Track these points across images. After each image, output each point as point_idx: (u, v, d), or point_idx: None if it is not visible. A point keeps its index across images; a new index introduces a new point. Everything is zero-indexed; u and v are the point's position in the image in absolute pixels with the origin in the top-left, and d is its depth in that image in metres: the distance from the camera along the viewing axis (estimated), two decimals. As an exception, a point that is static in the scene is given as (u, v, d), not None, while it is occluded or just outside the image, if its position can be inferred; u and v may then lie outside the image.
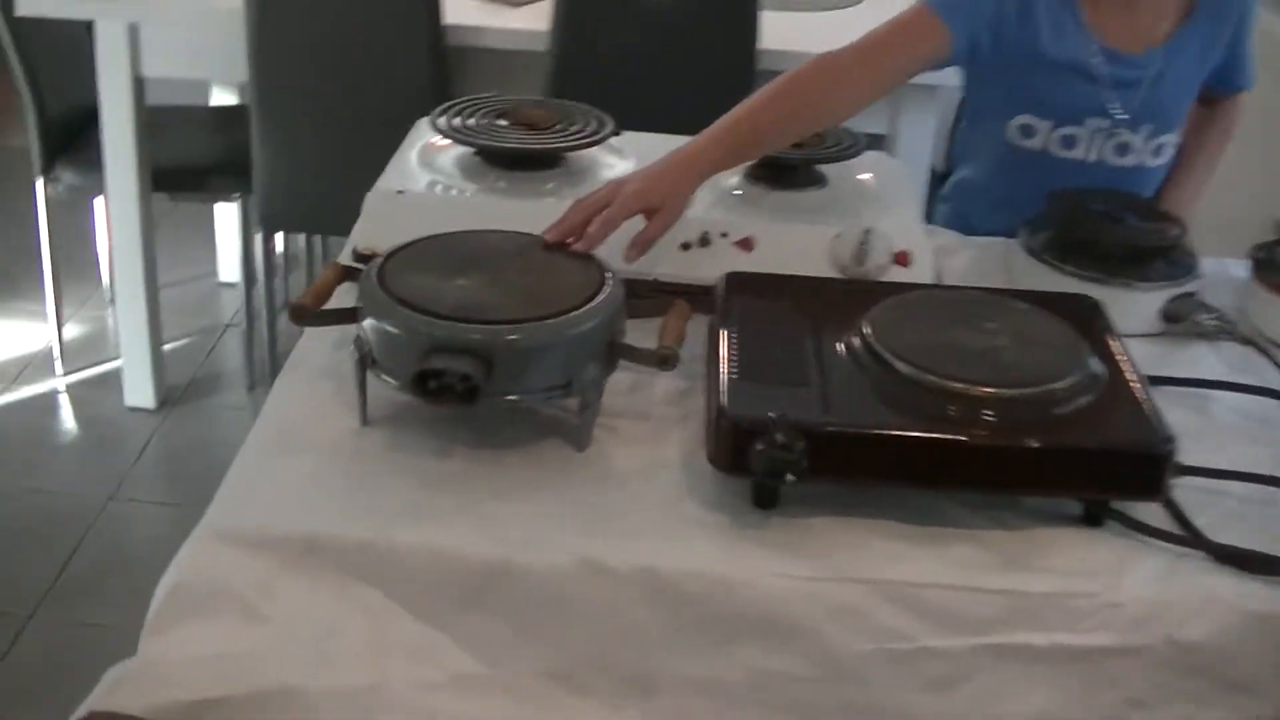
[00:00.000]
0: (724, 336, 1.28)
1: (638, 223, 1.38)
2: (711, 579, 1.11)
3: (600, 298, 1.23)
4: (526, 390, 1.19)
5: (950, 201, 1.96)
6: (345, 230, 1.55)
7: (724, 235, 1.50)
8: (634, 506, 1.18)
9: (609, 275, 1.28)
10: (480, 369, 1.14)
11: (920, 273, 1.50)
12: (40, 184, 3.07)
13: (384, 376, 1.21)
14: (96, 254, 3.53)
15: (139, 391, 3.15)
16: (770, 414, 1.13)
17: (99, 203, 3.21)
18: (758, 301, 1.36)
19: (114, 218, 2.98)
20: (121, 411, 3.16)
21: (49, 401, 3.18)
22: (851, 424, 1.16)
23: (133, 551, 2.66)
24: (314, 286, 1.27)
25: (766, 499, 1.18)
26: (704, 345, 1.33)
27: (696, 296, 1.44)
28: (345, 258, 1.46)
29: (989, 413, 1.18)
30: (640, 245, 1.36)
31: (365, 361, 1.22)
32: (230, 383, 3.34)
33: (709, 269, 1.45)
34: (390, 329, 1.18)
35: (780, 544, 1.15)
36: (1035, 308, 1.36)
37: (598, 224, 1.33)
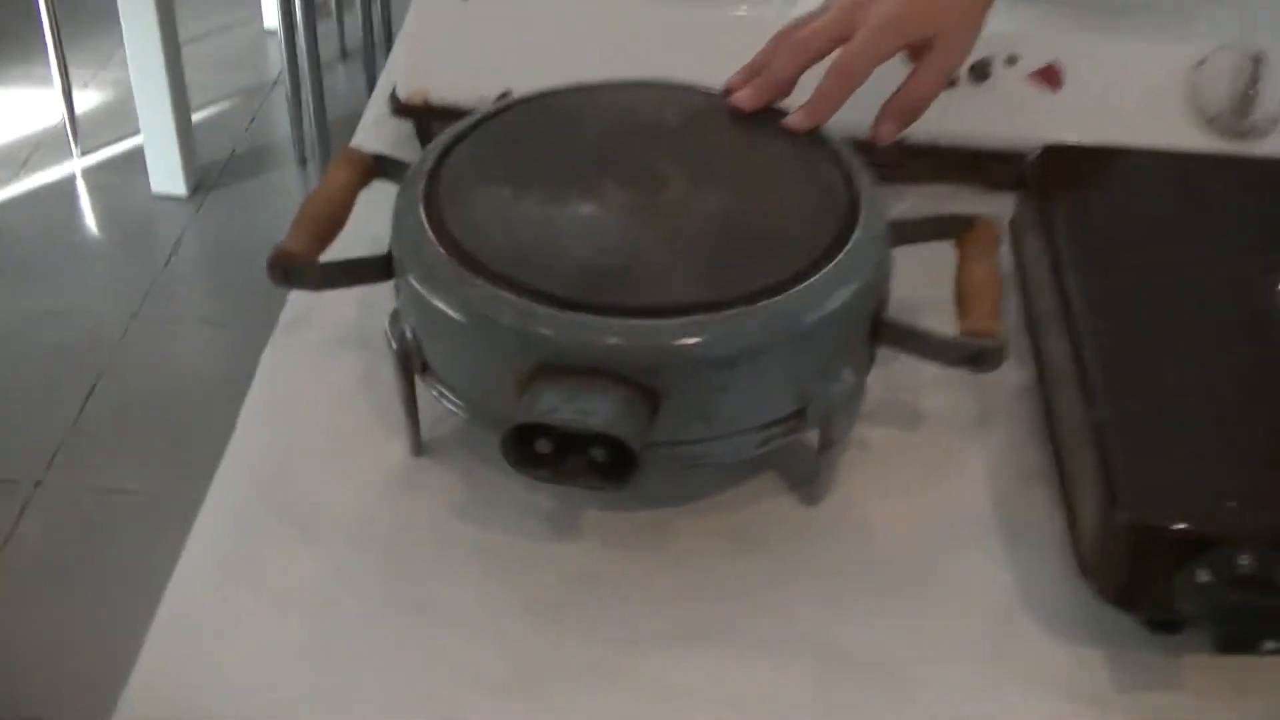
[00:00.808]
0: (1075, 299, 0.68)
1: (893, 69, 0.76)
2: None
3: (855, 239, 0.63)
4: (724, 432, 0.61)
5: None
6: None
7: (1011, 61, 0.88)
8: (920, 638, 0.61)
9: (863, 181, 0.67)
10: (636, 413, 0.56)
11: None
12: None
13: (445, 396, 0.64)
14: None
15: (166, 175, 2.60)
16: (1222, 505, 0.55)
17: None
18: (1109, 209, 0.76)
19: (116, -44, 2.36)
20: (147, 200, 2.62)
21: (63, 192, 2.65)
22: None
23: (161, 389, 2.17)
24: (312, 203, 0.68)
25: (1167, 621, 0.61)
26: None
27: (970, 167, 0.85)
28: (368, 133, 0.86)
29: None
30: (904, 112, 0.75)
31: (410, 363, 0.64)
32: (277, 157, 2.78)
33: (989, 119, 0.86)
34: (452, 315, 0.60)
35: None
36: None
37: (832, 77, 0.72)
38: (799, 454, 0.68)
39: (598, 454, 0.58)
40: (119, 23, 2.45)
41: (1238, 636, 0.56)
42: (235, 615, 0.62)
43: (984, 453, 0.72)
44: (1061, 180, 0.78)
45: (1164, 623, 0.62)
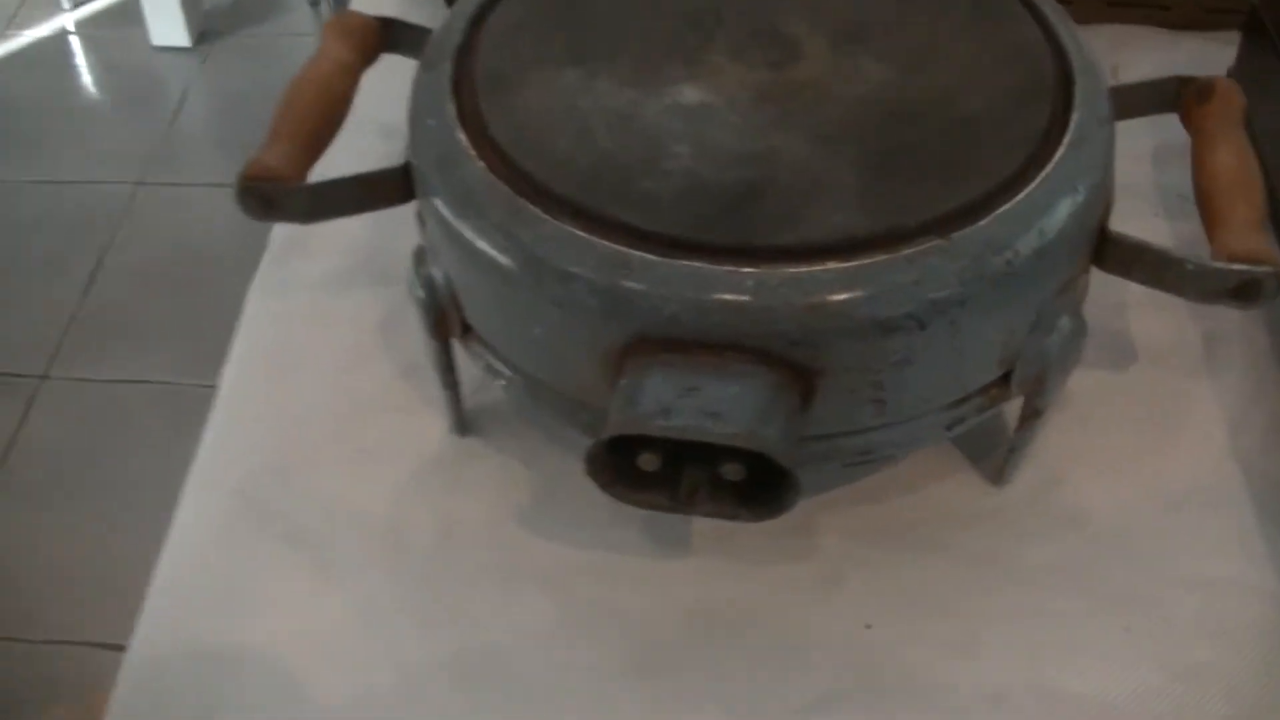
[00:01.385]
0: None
1: None
2: None
3: (1077, 123, 0.43)
4: (904, 416, 0.42)
5: None
6: None
7: None
8: (1174, 672, 0.43)
9: (1069, 35, 0.47)
10: (784, 409, 0.37)
11: None
12: None
13: (496, 370, 0.45)
14: None
15: (166, 25, 2.40)
16: None
17: None
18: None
19: None
20: (147, 54, 2.41)
21: (54, 49, 2.44)
22: None
23: (172, 264, 1.98)
24: (296, 95, 0.48)
25: None
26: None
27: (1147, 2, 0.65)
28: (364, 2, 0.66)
29: None
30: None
31: (445, 323, 0.45)
32: (288, -1, 2.54)
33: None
34: (501, 263, 0.40)
35: None
36: None
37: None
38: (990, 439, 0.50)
39: (730, 471, 0.39)
40: None
41: None
42: (221, 679, 0.45)
43: (1219, 397, 0.54)
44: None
45: None
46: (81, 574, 1.58)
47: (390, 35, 0.53)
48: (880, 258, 0.39)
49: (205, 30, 2.44)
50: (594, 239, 0.40)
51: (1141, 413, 0.53)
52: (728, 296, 0.39)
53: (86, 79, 2.41)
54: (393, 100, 0.50)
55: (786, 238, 0.39)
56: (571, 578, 0.47)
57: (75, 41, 2.46)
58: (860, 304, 0.39)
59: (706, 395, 0.38)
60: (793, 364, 0.39)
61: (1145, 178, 0.62)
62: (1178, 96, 0.51)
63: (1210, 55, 0.68)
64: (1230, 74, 0.62)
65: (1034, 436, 0.48)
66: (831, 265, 0.39)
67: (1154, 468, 0.51)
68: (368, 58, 0.53)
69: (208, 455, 0.51)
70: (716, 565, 0.48)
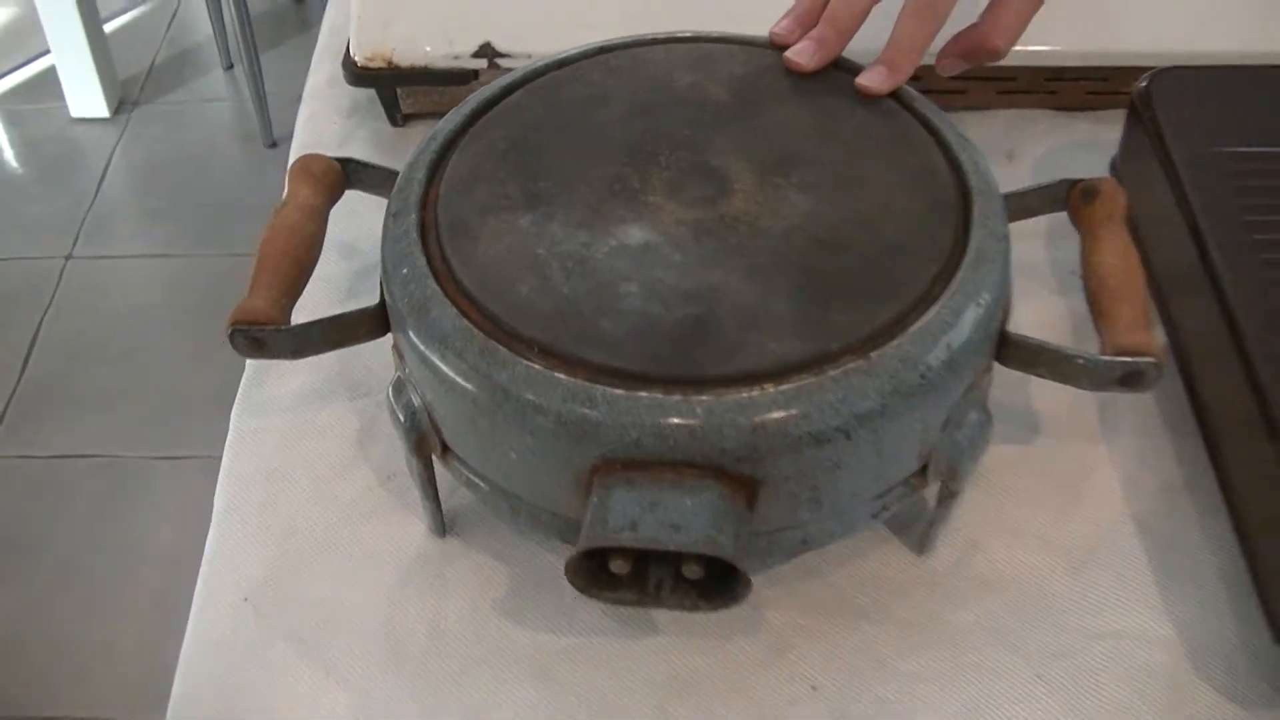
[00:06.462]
0: (1218, 251, 0.56)
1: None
2: None
3: (977, 240, 0.50)
4: (836, 511, 0.48)
5: None
6: None
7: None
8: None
9: (966, 153, 0.54)
10: (733, 515, 0.44)
11: None
12: None
13: (476, 486, 0.50)
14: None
15: (85, 96, 2.42)
16: None
17: None
18: (1244, 142, 0.62)
19: None
20: (67, 126, 2.43)
21: (-28, 125, 2.44)
22: None
23: (108, 337, 2.00)
24: (274, 241, 0.54)
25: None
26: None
27: (1039, 90, 0.72)
28: (319, 100, 0.72)
29: None
30: (979, 47, 0.61)
31: (426, 444, 0.50)
32: (202, 62, 2.58)
33: (1062, 33, 0.72)
34: (478, 397, 0.46)
35: None
36: None
37: (912, 18, 0.58)
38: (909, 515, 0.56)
39: (690, 571, 0.45)
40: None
41: None
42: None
43: (1114, 462, 0.60)
44: (1180, 110, 0.64)
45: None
46: (29, 648, 1.59)
47: (351, 174, 0.59)
48: (810, 379, 0.45)
49: (123, 99, 2.46)
50: (561, 376, 0.46)
51: (1046, 482, 0.59)
52: (681, 421, 0.45)
53: (8, 154, 2.43)
54: (344, 217, 0.56)
55: (730, 368, 0.45)
56: (552, 662, 0.53)
57: (-8, 119, 2.48)
58: (795, 421, 0.45)
59: (667, 509, 0.44)
60: (739, 476, 0.45)
61: (1040, 255, 0.69)
62: (1067, 197, 0.58)
63: (1099, 134, 0.75)
64: (1115, 161, 0.69)
65: (951, 512, 0.54)
66: (769, 389, 0.45)
67: (1059, 533, 0.57)
68: (333, 198, 0.58)
69: (212, 569, 0.56)
70: (678, 642, 0.53)
